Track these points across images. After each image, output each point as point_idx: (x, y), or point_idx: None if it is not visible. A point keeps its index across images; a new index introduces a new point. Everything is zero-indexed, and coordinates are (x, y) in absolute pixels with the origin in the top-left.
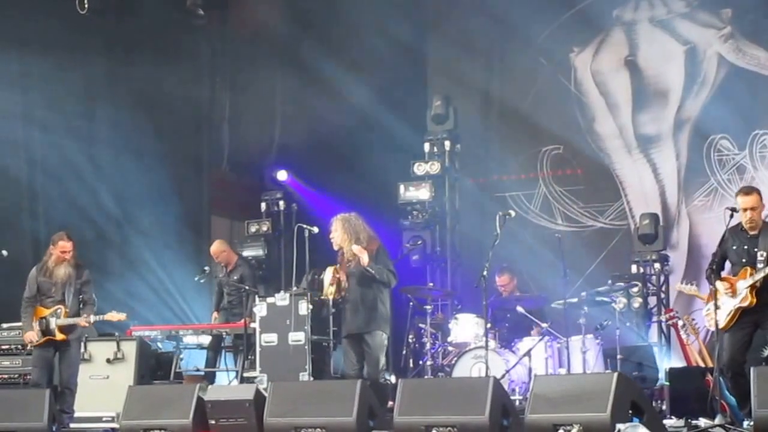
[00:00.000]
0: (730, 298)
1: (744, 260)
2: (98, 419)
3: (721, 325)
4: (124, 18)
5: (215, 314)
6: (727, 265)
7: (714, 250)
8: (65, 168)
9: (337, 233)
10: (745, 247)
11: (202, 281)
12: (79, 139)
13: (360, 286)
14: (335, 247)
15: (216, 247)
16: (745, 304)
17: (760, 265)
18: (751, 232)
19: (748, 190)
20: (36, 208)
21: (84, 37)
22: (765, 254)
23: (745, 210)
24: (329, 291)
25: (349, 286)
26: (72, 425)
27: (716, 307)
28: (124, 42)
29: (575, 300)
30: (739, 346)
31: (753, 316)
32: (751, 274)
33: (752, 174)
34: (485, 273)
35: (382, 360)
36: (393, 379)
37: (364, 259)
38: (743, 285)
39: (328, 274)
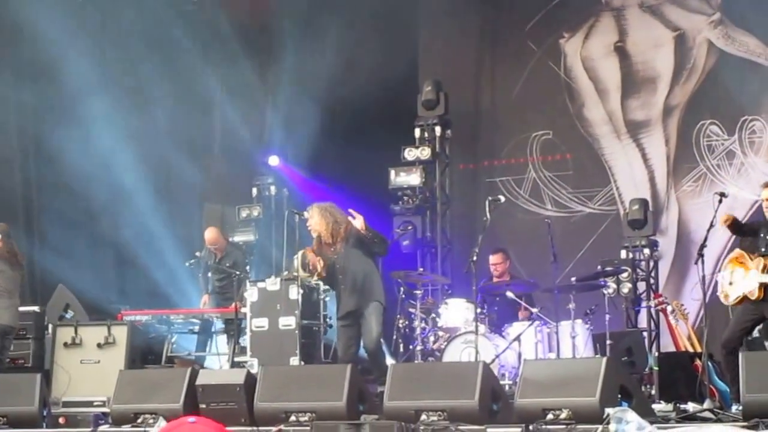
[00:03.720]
0: (743, 280)
1: (764, 250)
2: (89, 403)
3: (731, 303)
4: (117, 3)
5: (205, 298)
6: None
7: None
8: (58, 151)
9: (314, 220)
10: (764, 236)
11: (192, 267)
12: (71, 122)
13: (352, 265)
14: (313, 234)
15: (212, 234)
16: (752, 297)
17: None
18: None
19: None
20: (29, 193)
21: (78, 22)
22: None
23: (765, 200)
24: (319, 268)
25: (341, 267)
26: (63, 409)
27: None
28: (117, 27)
29: (565, 285)
30: (740, 329)
31: (759, 306)
32: (765, 269)
33: (741, 160)
34: (475, 258)
35: (377, 329)
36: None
37: (359, 223)
38: (755, 275)
39: (308, 257)
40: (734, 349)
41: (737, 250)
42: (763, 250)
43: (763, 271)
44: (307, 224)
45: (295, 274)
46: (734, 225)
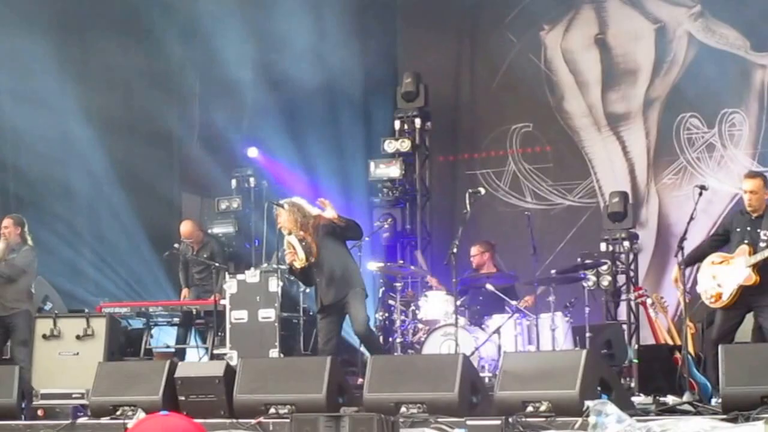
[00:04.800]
0: (731, 275)
1: (746, 240)
2: (68, 395)
3: (724, 303)
4: None
5: (185, 291)
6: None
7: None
8: (34, 143)
9: (282, 218)
10: (748, 228)
11: (169, 259)
12: (49, 114)
13: (327, 258)
14: (284, 232)
15: (187, 228)
16: (750, 282)
17: (762, 245)
18: (754, 215)
19: (752, 174)
20: (6, 183)
21: (55, 13)
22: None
23: (745, 192)
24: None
25: (316, 261)
26: (41, 401)
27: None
28: (96, 18)
29: (545, 278)
30: (730, 325)
31: (749, 297)
32: (750, 253)
33: (721, 152)
34: (455, 250)
35: (363, 313)
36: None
37: (331, 213)
38: (743, 262)
39: (292, 240)
40: (729, 343)
41: (710, 256)
42: (746, 240)
43: (749, 255)
44: (276, 224)
45: (275, 266)
46: (701, 256)
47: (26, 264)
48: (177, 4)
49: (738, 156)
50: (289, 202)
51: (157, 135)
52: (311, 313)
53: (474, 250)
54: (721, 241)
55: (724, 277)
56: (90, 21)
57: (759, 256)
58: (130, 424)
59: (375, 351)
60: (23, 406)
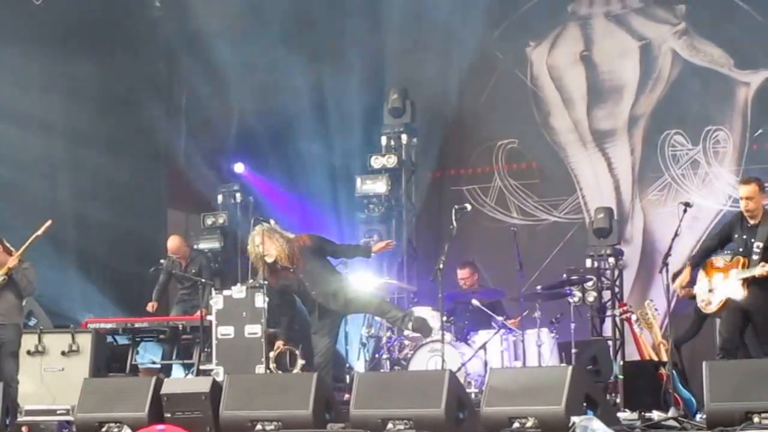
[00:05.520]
0: (723, 284)
1: (741, 249)
2: (53, 412)
3: (714, 309)
4: (80, 9)
5: (153, 304)
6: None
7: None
8: (21, 158)
9: (266, 246)
10: (744, 236)
11: (155, 274)
12: (35, 130)
13: (321, 284)
14: (269, 260)
15: (174, 243)
16: (738, 297)
17: (755, 257)
18: (752, 221)
19: (747, 180)
20: None
21: (40, 28)
22: (761, 245)
23: (742, 199)
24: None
25: (311, 284)
26: (26, 418)
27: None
28: (82, 33)
29: (531, 294)
30: (734, 329)
31: (739, 303)
32: (744, 265)
33: (706, 169)
34: (441, 266)
35: (363, 293)
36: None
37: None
38: (736, 274)
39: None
40: (736, 350)
41: (714, 259)
42: (741, 250)
43: (743, 268)
44: (256, 253)
45: (261, 281)
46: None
47: (35, 279)
48: (164, 19)
49: (722, 173)
50: (264, 229)
51: (143, 151)
52: (295, 328)
53: (464, 272)
54: (724, 240)
55: (717, 285)
56: (76, 36)
57: (748, 273)
58: None
59: (388, 311)
60: (8, 422)
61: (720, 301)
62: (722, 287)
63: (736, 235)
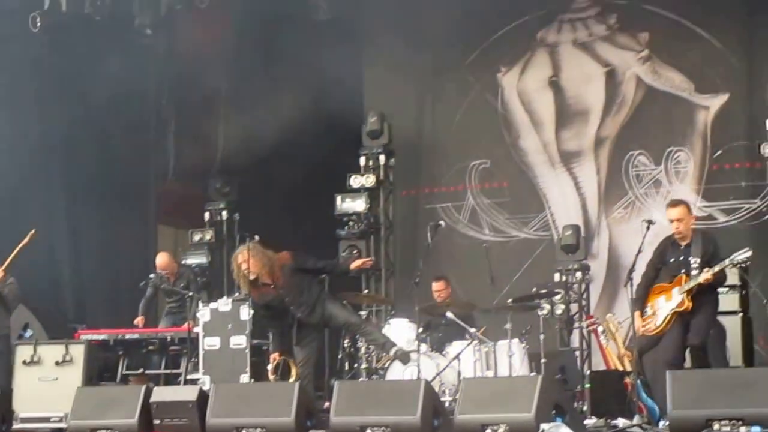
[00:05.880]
0: (666, 302)
1: (682, 270)
2: (47, 419)
3: (658, 329)
4: (74, 35)
5: (140, 320)
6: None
7: (638, 264)
8: (17, 179)
9: (249, 263)
10: (681, 257)
11: (145, 288)
12: (30, 151)
13: (302, 298)
14: (251, 277)
15: (163, 260)
16: (682, 308)
17: (694, 272)
18: (683, 243)
19: (675, 203)
20: None
21: (36, 52)
22: (698, 261)
23: (672, 221)
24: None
25: (290, 300)
26: (21, 425)
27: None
28: (76, 59)
29: (502, 307)
30: (678, 344)
31: (686, 317)
32: (686, 281)
33: (668, 188)
34: (417, 280)
35: (344, 311)
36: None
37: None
38: (678, 290)
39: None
40: (682, 363)
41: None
42: (680, 269)
43: (684, 282)
44: (240, 269)
45: (245, 295)
46: (648, 290)
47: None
48: (155, 46)
49: (683, 191)
50: (249, 248)
51: (134, 169)
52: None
53: (438, 285)
54: (659, 268)
55: (659, 305)
56: (67, 55)
57: (692, 282)
58: None
59: (369, 332)
60: (3, 429)
61: (666, 316)
62: (666, 306)
63: (671, 259)
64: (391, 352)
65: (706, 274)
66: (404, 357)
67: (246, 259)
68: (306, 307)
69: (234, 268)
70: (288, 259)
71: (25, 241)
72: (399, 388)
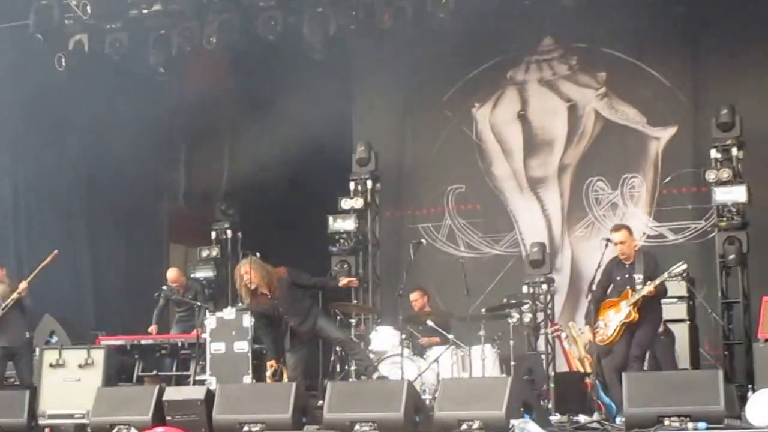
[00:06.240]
0: (615, 315)
1: (628, 285)
2: (71, 416)
3: (609, 340)
4: (96, 73)
5: (153, 328)
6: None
7: (597, 279)
8: (42, 204)
9: (251, 275)
10: (626, 275)
11: (158, 299)
12: (55, 179)
13: (294, 308)
14: (252, 286)
15: (173, 274)
16: (629, 319)
17: (638, 287)
18: (627, 262)
19: (617, 228)
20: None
21: (62, 87)
22: (641, 276)
23: (616, 244)
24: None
25: (284, 309)
26: (48, 421)
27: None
28: (96, 95)
29: (476, 315)
30: (625, 353)
31: (632, 328)
32: (632, 294)
33: (623, 210)
34: (400, 292)
35: (334, 328)
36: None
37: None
38: (626, 303)
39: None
40: (626, 369)
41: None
42: (629, 286)
43: (630, 296)
44: (242, 280)
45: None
46: (600, 301)
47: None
48: (167, 83)
49: (637, 213)
50: (252, 261)
51: (149, 192)
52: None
53: (414, 295)
54: (606, 287)
55: (609, 318)
56: (88, 91)
57: (637, 296)
58: None
59: (356, 352)
60: (32, 425)
61: (615, 327)
62: (615, 318)
63: (618, 277)
64: (373, 377)
65: (649, 287)
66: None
67: (248, 271)
68: (298, 317)
69: (236, 279)
70: (284, 274)
71: (48, 260)
72: (384, 388)
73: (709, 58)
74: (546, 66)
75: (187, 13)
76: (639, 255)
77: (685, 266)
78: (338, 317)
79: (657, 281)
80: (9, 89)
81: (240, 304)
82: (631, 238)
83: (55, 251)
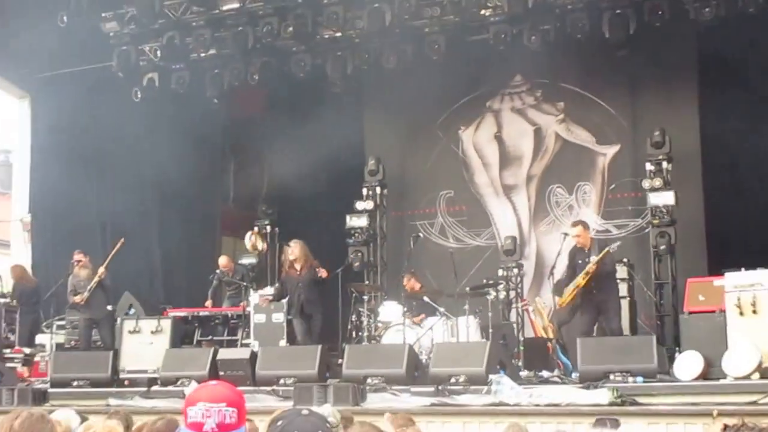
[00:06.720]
0: (572, 283)
1: (585, 268)
2: (145, 371)
3: (563, 301)
4: (164, 103)
5: (209, 303)
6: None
7: (557, 264)
8: (125, 200)
9: (297, 249)
10: (586, 259)
11: (212, 280)
12: (135, 186)
13: (307, 287)
14: (291, 257)
15: (224, 261)
16: (578, 284)
17: (578, 278)
18: (585, 249)
19: (575, 223)
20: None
21: (138, 113)
22: (595, 257)
23: (573, 237)
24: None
25: (302, 285)
26: (127, 375)
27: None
28: (165, 119)
29: (462, 293)
30: (588, 325)
31: (593, 300)
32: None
33: (577, 211)
34: (403, 275)
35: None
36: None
37: (324, 273)
38: (581, 276)
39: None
40: (591, 335)
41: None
42: (585, 268)
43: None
44: (289, 251)
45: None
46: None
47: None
48: (219, 110)
49: (588, 213)
50: (302, 243)
51: (205, 198)
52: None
53: (404, 280)
54: (573, 269)
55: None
56: (159, 117)
57: (588, 267)
58: (187, 390)
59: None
60: (115, 378)
61: (569, 290)
62: (571, 285)
63: (579, 261)
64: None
65: (595, 259)
66: None
67: (296, 245)
68: (308, 298)
69: (285, 250)
70: (314, 262)
71: (117, 246)
72: (390, 350)
73: (644, 91)
74: (516, 97)
75: (236, 56)
76: (594, 244)
77: (618, 242)
78: (353, 295)
79: (600, 255)
80: (96, 116)
81: (277, 284)
82: (585, 231)
83: (122, 239)
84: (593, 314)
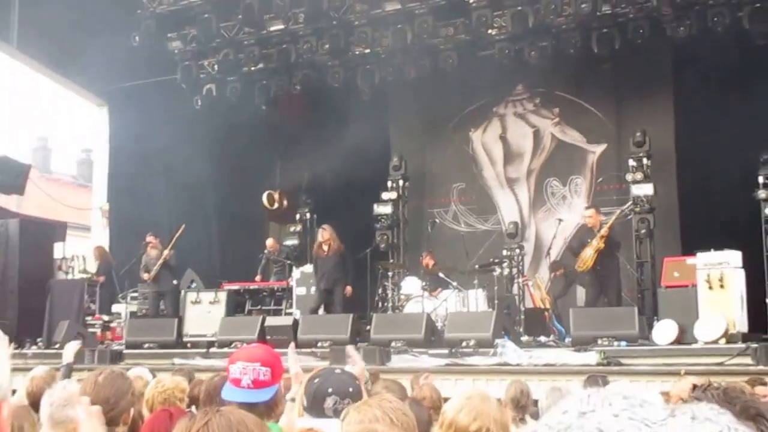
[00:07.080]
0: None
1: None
2: (204, 336)
3: (585, 266)
4: (221, 110)
5: (258, 277)
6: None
7: (553, 245)
8: (190, 191)
9: (327, 233)
10: (593, 238)
11: (261, 258)
12: (195, 179)
13: (331, 265)
14: (321, 238)
15: (271, 242)
16: (599, 245)
17: (595, 242)
18: (595, 229)
19: (588, 207)
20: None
21: (198, 118)
22: (600, 235)
23: (586, 218)
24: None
25: (328, 263)
26: (189, 338)
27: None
28: (221, 123)
29: (472, 270)
30: (593, 298)
31: (598, 275)
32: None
33: (570, 201)
34: (423, 255)
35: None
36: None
37: (349, 290)
38: (596, 238)
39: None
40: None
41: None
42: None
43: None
44: (322, 234)
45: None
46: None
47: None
48: (267, 117)
49: (579, 202)
50: (331, 227)
51: (255, 189)
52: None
53: (423, 259)
54: (584, 244)
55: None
56: (216, 122)
57: (602, 231)
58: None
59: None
60: (179, 341)
61: (590, 255)
62: (589, 250)
63: (589, 240)
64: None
65: (610, 221)
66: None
67: (326, 229)
68: (329, 277)
69: (318, 231)
70: (341, 247)
71: (180, 231)
72: (411, 318)
73: (627, 98)
74: (518, 104)
75: (281, 69)
76: (601, 226)
77: (630, 204)
78: (380, 271)
79: (615, 215)
80: (163, 121)
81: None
82: (597, 214)
83: (183, 225)
84: (597, 289)
